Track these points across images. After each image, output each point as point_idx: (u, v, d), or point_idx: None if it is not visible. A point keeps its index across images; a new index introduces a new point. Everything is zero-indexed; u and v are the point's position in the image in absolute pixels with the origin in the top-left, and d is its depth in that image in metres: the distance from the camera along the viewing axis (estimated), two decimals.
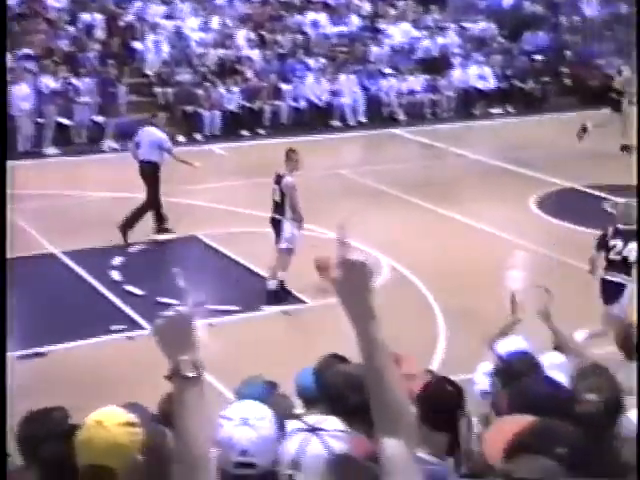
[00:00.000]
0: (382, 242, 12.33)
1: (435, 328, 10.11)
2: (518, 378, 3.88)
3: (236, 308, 10.56)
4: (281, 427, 3.25)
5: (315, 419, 3.04)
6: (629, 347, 5.69)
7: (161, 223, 12.96)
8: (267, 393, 4.06)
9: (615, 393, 3.67)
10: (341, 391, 3.55)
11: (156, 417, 3.97)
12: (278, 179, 10.81)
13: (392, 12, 23.56)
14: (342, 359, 4.21)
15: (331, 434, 2.98)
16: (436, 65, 21.87)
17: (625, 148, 17.93)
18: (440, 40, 22.70)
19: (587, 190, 15.35)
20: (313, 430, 3.00)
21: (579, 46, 23.40)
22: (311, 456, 2.94)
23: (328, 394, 3.65)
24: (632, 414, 3.49)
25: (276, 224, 10.90)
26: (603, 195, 14.97)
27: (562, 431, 2.73)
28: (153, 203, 12.86)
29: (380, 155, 18.17)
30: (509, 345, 5.33)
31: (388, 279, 11.56)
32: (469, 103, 21.59)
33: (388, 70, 21.30)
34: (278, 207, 10.84)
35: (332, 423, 3.04)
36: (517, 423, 2.86)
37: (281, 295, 10.89)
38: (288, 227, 10.76)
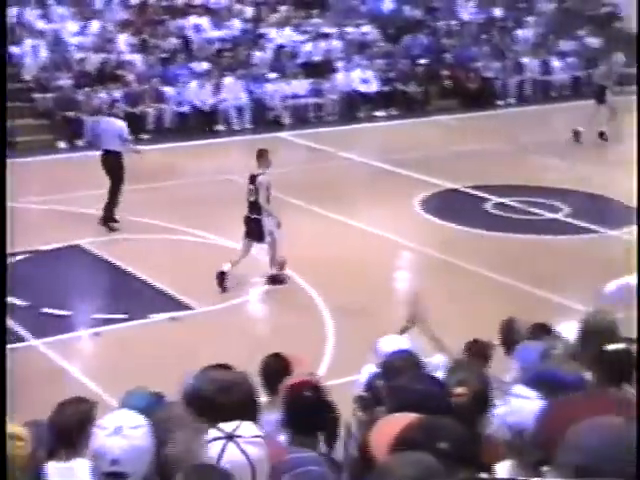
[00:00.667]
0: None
1: (324, 329, 10.20)
2: (398, 377, 3.97)
3: (123, 316, 10.43)
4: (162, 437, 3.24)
5: (231, 426, 3.07)
6: (510, 342, 5.86)
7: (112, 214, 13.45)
8: (152, 403, 4.02)
9: (482, 386, 3.84)
10: (210, 394, 3.60)
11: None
12: (253, 178, 11.31)
13: (274, 17, 23.63)
14: (225, 367, 4.22)
15: (248, 440, 3.02)
16: (319, 69, 22.06)
17: (602, 135, 18.38)
18: (323, 44, 22.89)
19: (469, 191, 15.73)
20: (230, 437, 3.02)
21: (457, 49, 23.95)
22: (229, 462, 2.96)
23: (199, 397, 3.69)
24: (500, 410, 3.62)
25: (254, 222, 11.33)
26: (485, 195, 15.37)
27: (444, 426, 2.81)
28: (119, 190, 13.34)
29: (280, 159, 18.19)
30: (391, 344, 5.42)
31: (276, 285, 11.60)
32: (353, 106, 21.86)
33: (272, 74, 21.36)
34: (253, 205, 11.30)
35: (248, 429, 3.07)
36: (399, 421, 2.93)
37: (282, 278, 11.47)
38: (267, 222, 11.28)
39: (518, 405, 3.47)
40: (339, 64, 22.41)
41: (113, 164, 13.42)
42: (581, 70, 24.76)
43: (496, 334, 6.46)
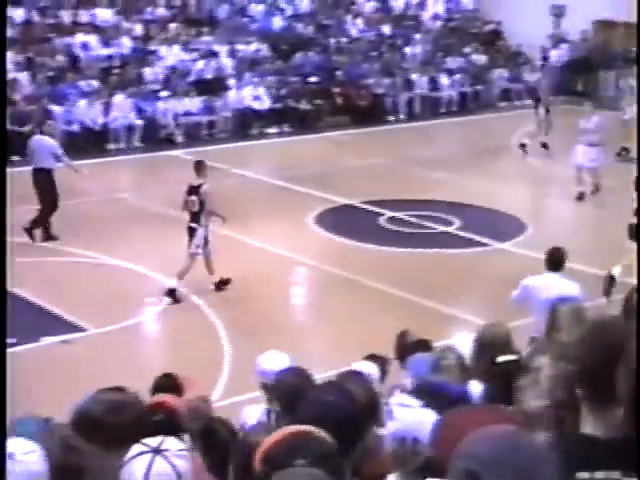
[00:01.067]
0: (166, 265, 12.20)
1: (220, 349, 10.11)
2: (295, 394, 3.95)
3: (11, 341, 10.11)
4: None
5: (156, 441, 3.06)
6: (404, 355, 5.91)
7: (49, 229, 13.63)
8: (40, 429, 3.90)
9: (369, 399, 3.86)
10: (99, 415, 3.56)
11: None
12: (194, 189, 11.60)
13: (164, 35, 23.45)
14: (118, 389, 4.14)
15: (175, 453, 3.02)
16: (211, 86, 21.97)
17: (522, 146, 18.69)
18: (214, 62, 22.82)
19: (363, 206, 15.87)
20: (156, 451, 3.01)
21: (348, 67, 24.20)
22: (158, 475, 2.96)
23: (88, 419, 3.64)
24: (391, 425, 3.63)
25: (192, 231, 11.66)
26: (379, 210, 15.53)
27: (308, 443, 2.81)
28: (53, 206, 13.59)
29: (160, 178, 17.98)
30: (272, 362, 5.40)
31: (172, 301, 11.46)
32: (246, 123, 21.83)
33: (164, 92, 21.16)
34: (195, 216, 11.63)
35: (173, 444, 3.08)
36: (274, 437, 2.94)
37: (175, 295, 11.41)
38: (201, 234, 11.58)
39: (401, 414, 3.49)
40: (231, 81, 22.37)
41: (45, 181, 13.60)
42: (467, 86, 25.35)
43: (392, 347, 6.51)
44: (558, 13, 27.38)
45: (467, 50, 26.33)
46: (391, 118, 23.73)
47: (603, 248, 14.37)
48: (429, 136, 22.80)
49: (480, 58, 26.29)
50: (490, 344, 5.30)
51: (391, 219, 15.11)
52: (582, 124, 15.96)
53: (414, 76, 24.54)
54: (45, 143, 13.79)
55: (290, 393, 4.21)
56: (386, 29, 26.51)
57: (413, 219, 15.02)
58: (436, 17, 27.90)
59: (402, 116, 23.94)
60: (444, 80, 24.97)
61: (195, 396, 4.92)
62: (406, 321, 8.15)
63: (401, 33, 26.49)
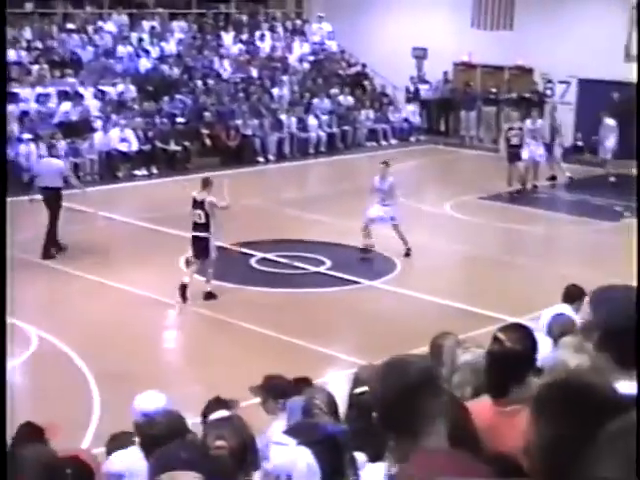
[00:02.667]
0: (30, 312, 11.86)
1: (88, 395, 9.86)
2: (165, 438, 3.89)
3: None
4: None
5: None
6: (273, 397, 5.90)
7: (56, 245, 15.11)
8: None
9: (241, 440, 3.87)
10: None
11: None
12: (199, 204, 13.00)
13: (28, 77, 22.95)
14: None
15: None
16: (77, 129, 21.59)
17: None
18: (79, 104, 22.45)
19: (234, 248, 15.82)
20: None
21: (216, 108, 24.24)
22: None
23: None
24: (266, 464, 3.63)
25: (202, 241, 13.06)
26: (249, 251, 15.53)
27: None
28: (56, 221, 15.17)
29: (24, 223, 17.50)
30: (149, 403, 5.32)
31: (37, 350, 11.13)
32: (113, 166, 21.53)
33: (26, 135, 20.66)
34: (202, 227, 13.01)
35: None
36: None
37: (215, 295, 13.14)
38: (213, 241, 13.17)
39: (277, 453, 3.49)
40: (97, 123, 22.05)
41: (54, 199, 15.18)
42: (335, 127, 25.77)
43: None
44: (420, 55, 28.24)
45: (334, 91, 26.79)
46: (260, 159, 23.86)
47: (471, 286, 14.79)
48: (299, 176, 23.02)
49: (347, 99, 26.79)
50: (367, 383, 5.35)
51: (262, 260, 15.13)
52: (376, 183, 15.58)
53: (283, 117, 24.78)
54: (54, 165, 15.57)
55: (163, 437, 4.15)
56: (254, 71, 26.71)
57: (285, 260, 15.08)
58: (302, 59, 28.32)
59: (271, 157, 24.11)
60: (312, 121, 25.31)
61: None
62: (281, 361, 8.17)
63: (268, 75, 26.75)
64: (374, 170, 19.93)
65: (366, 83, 28.52)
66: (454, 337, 5.64)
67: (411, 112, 27.52)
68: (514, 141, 20.28)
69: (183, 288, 12.94)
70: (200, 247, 13.11)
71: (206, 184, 13.24)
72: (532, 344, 3.73)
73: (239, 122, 23.91)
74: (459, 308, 12.88)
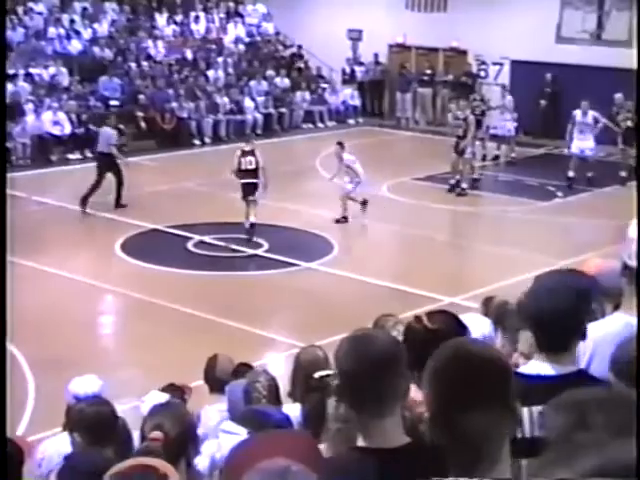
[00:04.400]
0: None
1: (23, 385, 9.67)
2: (93, 425, 3.82)
3: None
4: None
5: None
6: (213, 380, 5.84)
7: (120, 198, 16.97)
8: None
9: (180, 429, 3.78)
10: None
11: None
12: (249, 152, 15.30)
13: None
14: None
15: None
16: (8, 112, 21.10)
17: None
18: (10, 86, 21.95)
19: (171, 230, 15.67)
20: None
21: (151, 90, 23.92)
22: None
23: None
24: (210, 448, 3.57)
25: (253, 186, 15.11)
26: (186, 234, 15.39)
27: None
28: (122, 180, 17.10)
29: None
30: (84, 387, 5.24)
31: None
32: (45, 149, 21.13)
33: None
34: (253, 173, 15.09)
35: None
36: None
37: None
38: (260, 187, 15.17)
39: (226, 441, 3.43)
40: (29, 106, 21.60)
41: (109, 162, 17.02)
42: (271, 109, 25.64)
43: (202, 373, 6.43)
44: (355, 37, 28.22)
45: (270, 73, 26.64)
46: (196, 142, 23.63)
47: (410, 266, 14.88)
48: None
49: (283, 81, 26.66)
50: (308, 366, 5.33)
51: (199, 243, 15.00)
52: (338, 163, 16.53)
53: (218, 99, 24.57)
54: (106, 134, 17.56)
55: (91, 425, 4.08)
56: (188, 53, 26.42)
57: (222, 242, 14.98)
58: (237, 41, 28.09)
59: (207, 139, 23.89)
60: (248, 103, 25.14)
61: None
62: (219, 344, 8.08)
63: (203, 56, 26.49)
64: (311, 152, 19.92)
65: (302, 65, 28.42)
66: (395, 319, 5.64)
67: (348, 94, 27.50)
68: (459, 132, 19.54)
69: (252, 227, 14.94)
70: (250, 189, 14.97)
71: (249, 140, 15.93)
72: (453, 326, 3.72)
73: (174, 105, 23.64)
74: (398, 289, 12.94)
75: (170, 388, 5.90)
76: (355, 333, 2.72)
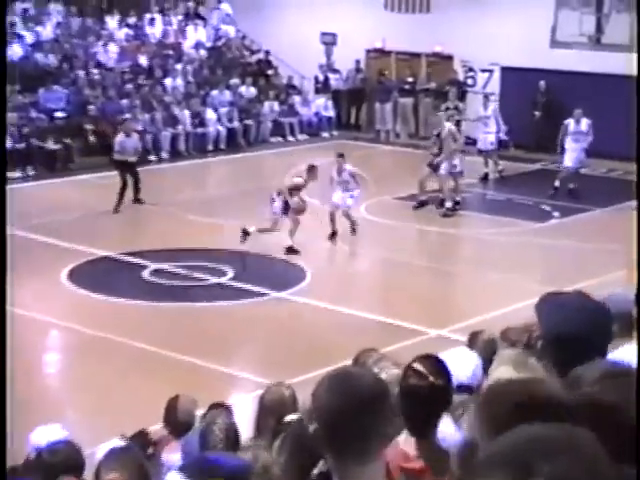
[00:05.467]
0: None
1: None
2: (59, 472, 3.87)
3: None
4: None
5: None
6: (175, 422, 5.86)
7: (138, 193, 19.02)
8: None
9: (134, 474, 3.84)
10: None
11: None
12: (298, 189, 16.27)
13: None
14: None
15: None
16: None
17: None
18: None
19: (124, 258, 15.65)
20: None
21: (102, 101, 23.94)
22: None
23: None
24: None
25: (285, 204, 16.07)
26: (142, 262, 15.38)
27: None
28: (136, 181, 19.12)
29: None
30: (46, 435, 5.26)
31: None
32: None
33: None
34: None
35: None
36: None
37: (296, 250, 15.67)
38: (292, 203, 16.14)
39: None
40: None
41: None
42: (236, 121, 25.73)
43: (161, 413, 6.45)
44: (329, 41, 28.43)
45: (234, 82, 26.76)
46: (153, 157, 23.66)
47: (391, 295, 14.95)
48: (196, 177, 22.91)
49: (249, 90, 26.79)
50: (273, 408, 5.37)
51: (156, 271, 15.00)
52: (334, 176, 17.10)
53: (177, 111, 24.64)
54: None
55: (59, 470, 4.13)
56: (143, 59, 26.49)
57: (181, 270, 14.99)
58: (198, 45, 28.21)
59: (165, 155, 23.93)
60: (210, 115, 25.23)
61: None
62: (178, 384, 8.11)
63: (160, 63, 26.56)
64: (280, 169, 19.98)
65: (270, 72, 28.57)
66: (377, 354, 5.69)
67: (321, 104, 27.68)
68: (434, 150, 19.66)
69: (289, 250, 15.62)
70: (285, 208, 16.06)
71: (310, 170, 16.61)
72: (449, 376, 3.83)
73: (128, 117, 23.67)
74: (378, 321, 12.99)
75: (137, 436, 5.94)
76: (337, 370, 2.77)
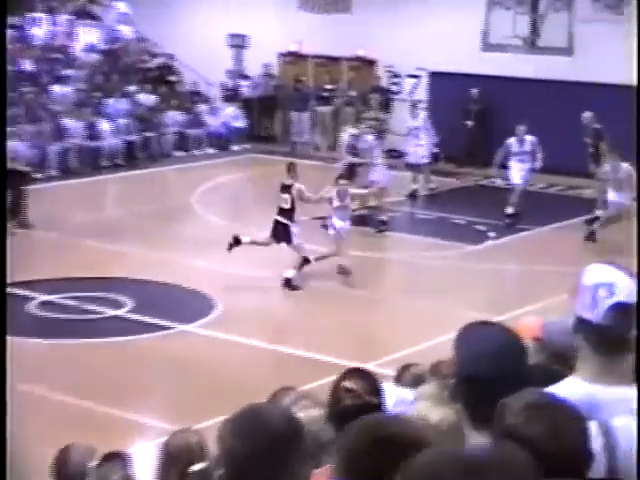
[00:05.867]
0: None
1: None
2: None
3: None
4: None
5: None
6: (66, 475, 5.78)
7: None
8: None
9: None
10: None
11: None
12: (287, 188, 15.91)
13: None
14: None
15: None
16: None
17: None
18: None
19: (7, 289, 15.40)
20: None
21: None
22: None
23: None
24: None
25: (282, 227, 15.85)
26: (27, 294, 15.17)
27: None
28: None
29: None
30: None
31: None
32: None
33: None
34: (286, 213, 15.84)
35: None
36: None
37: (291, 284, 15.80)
38: (295, 229, 15.95)
39: None
40: None
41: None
42: (135, 133, 25.56)
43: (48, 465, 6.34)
44: (238, 44, 28.46)
45: (132, 89, 26.61)
46: (39, 175, 23.35)
47: (310, 326, 14.96)
48: (89, 197, 22.68)
49: (149, 98, 26.66)
50: (178, 456, 5.35)
51: (44, 304, 14.80)
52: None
53: (66, 121, 24.39)
54: None
55: None
56: (27, 64, 26.20)
57: (73, 302, 14.81)
58: (91, 49, 28.01)
59: (53, 172, 23.65)
60: (105, 126, 25.04)
61: None
62: (69, 431, 7.97)
63: (47, 69, 26.30)
64: (185, 186, 19.91)
65: (173, 78, 28.50)
66: (296, 393, 5.69)
67: (230, 114, 27.66)
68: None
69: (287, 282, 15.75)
70: (278, 231, 15.87)
71: (291, 168, 16.26)
72: (382, 393, 3.82)
73: (12, 129, 23.36)
74: (297, 355, 12.98)
75: None
76: (244, 409, 2.75)
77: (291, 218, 15.91)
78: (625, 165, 18.11)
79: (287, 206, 15.88)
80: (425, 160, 22.22)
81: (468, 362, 3.11)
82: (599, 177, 19.22)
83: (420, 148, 22.14)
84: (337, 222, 16.53)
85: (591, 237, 18.40)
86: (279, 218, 15.92)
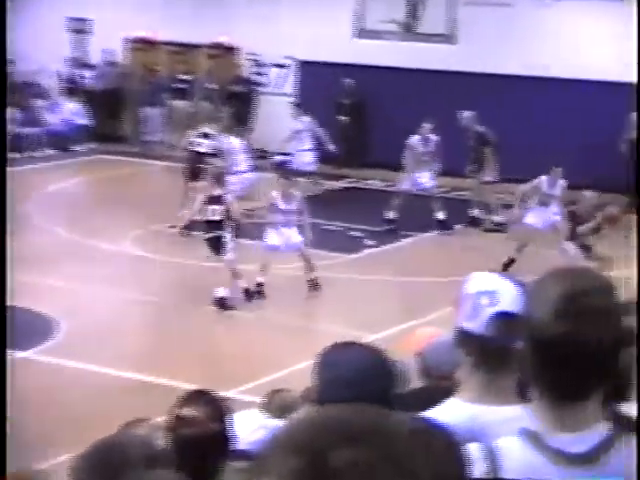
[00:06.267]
0: None
1: None
2: None
3: None
4: None
5: None
6: None
7: None
8: None
9: None
10: None
11: None
12: (216, 199, 15.98)
13: None
14: None
15: None
16: None
17: None
18: None
19: None
20: None
21: None
22: None
23: None
24: None
25: (216, 240, 15.98)
26: None
27: None
28: None
29: None
30: None
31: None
32: None
33: None
34: (218, 225, 15.97)
35: None
36: None
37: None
38: (229, 239, 16.06)
39: None
40: None
41: None
42: None
43: None
44: (80, 29, 28.08)
45: None
46: None
47: (164, 349, 14.84)
48: None
49: None
50: None
51: None
52: (279, 204, 16.58)
53: None
54: None
55: None
56: None
57: None
58: None
59: None
60: None
61: None
62: None
63: None
64: (22, 193, 19.54)
65: (9, 69, 28.03)
66: (149, 425, 5.66)
67: (71, 110, 27.29)
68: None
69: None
70: (219, 246, 16.03)
71: (219, 178, 16.56)
72: (226, 419, 3.83)
73: None
74: (150, 382, 12.88)
75: None
76: (96, 443, 2.73)
77: (223, 229, 16.12)
78: (562, 181, 17.27)
79: (218, 217, 15.98)
80: (311, 167, 22.30)
81: (328, 388, 3.12)
82: (517, 196, 18.43)
83: (304, 153, 22.27)
84: (272, 238, 16.64)
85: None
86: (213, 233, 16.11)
